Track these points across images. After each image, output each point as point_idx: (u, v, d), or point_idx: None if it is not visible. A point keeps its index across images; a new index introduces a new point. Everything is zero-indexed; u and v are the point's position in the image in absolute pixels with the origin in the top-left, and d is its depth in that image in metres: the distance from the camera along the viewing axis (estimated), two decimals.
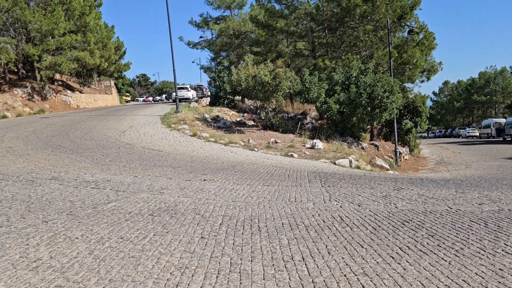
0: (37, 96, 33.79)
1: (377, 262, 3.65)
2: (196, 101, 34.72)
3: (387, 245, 4.17)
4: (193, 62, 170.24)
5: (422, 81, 32.10)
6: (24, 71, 36.56)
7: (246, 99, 33.01)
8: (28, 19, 29.99)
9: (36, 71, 35.67)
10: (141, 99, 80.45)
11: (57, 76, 41.82)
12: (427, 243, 4.22)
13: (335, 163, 13.18)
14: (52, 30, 31.66)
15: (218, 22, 39.19)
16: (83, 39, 36.47)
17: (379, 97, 18.95)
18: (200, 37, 42.87)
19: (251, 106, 30.98)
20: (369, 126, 22.74)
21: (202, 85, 48.66)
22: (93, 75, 48.83)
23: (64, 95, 38.47)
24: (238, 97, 33.21)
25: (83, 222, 5.03)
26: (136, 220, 5.17)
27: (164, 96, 76.65)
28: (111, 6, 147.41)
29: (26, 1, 31.27)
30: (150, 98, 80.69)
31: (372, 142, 22.95)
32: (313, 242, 4.33)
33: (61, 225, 4.89)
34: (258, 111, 27.16)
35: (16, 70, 35.58)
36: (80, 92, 43.54)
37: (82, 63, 37.28)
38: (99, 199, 6.43)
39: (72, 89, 42.78)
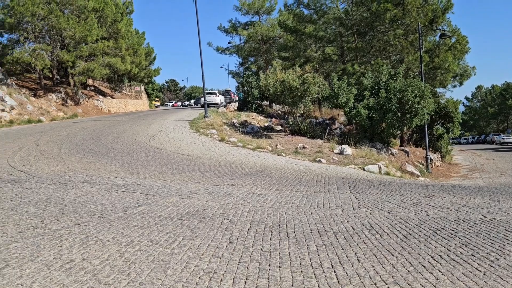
0: (71, 101, 34.71)
1: (408, 271, 3.58)
2: (224, 106, 34.95)
3: (419, 254, 4.08)
4: (221, 67, 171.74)
5: (455, 86, 31.40)
6: (58, 77, 37.64)
7: (274, 104, 33.01)
8: (62, 27, 30.89)
9: (70, 77, 36.67)
10: (170, 104, 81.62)
11: (90, 81, 42.88)
12: (461, 252, 4.11)
13: (364, 169, 13.02)
14: (85, 37, 32.51)
15: (246, 27, 39.43)
16: (114, 45, 37.30)
17: (410, 102, 18.62)
18: (229, 42, 43.23)
19: (279, 111, 30.95)
20: (399, 132, 22.35)
21: (230, 90, 48.99)
22: (124, 81, 49.82)
23: (96, 100, 39.39)
24: (266, 102, 33.24)
25: (114, 225, 5.13)
26: (165, 224, 5.22)
27: (192, 101, 77.47)
28: (142, 13, 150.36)
29: (61, 9, 32.23)
30: (179, 103, 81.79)
31: (402, 148, 22.55)
32: (342, 249, 4.28)
33: (93, 228, 4.99)
34: (286, 116, 27.10)
35: (51, 76, 36.67)
36: (112, 97, 44.50)
37: (113, 69, 38.09)
38: (129, 202, 6.54)
39: (103, 94, 43.78)
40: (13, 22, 29.58)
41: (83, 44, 33.72)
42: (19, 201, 6.43)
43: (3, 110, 23.61)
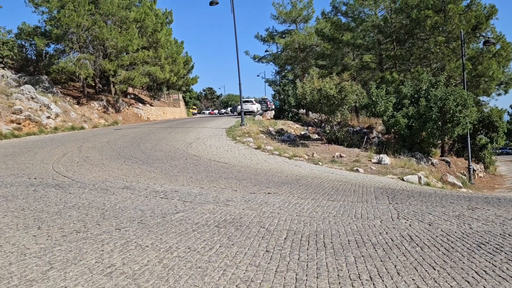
0: (112, 109, 35.77)
1: (451, 286, 3.46)
2: (261, 114, 35.09)
3: (462, 269, 3.94)
4: (258, 75, 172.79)
5: (499, 94, 30.36)
6: (100, 85, 38.91)
7: (310, 112, 32.89)
8: (105, 37, 31.98)
9: (111, 85, 37.83)
10: (207, 111, 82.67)
11: (130, 89, 44.10)
12: (507, 268, 3.94)
13: (403, 179, 12.73)
14: (126, 47, 33.52)
15: (283, 36, 39.49)
16: (154, 55, 38.27)
17: (451, 111, 18.11)
18: (266, 51, 43.42)
19: (316, 120, 30.79)
20: (439, 141, 21.77)
21: (266, 99, 49.16)
22: (163, 89, 50.94)
23: (136, 107, 40.41)
24: (302, 111, 33.16)
25: (153, 231, 5.22)
26: (202, 231, 5.28)
27: (229, 109, 78.23)
28: (181, 22, 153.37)
29: (104, 20, 33.39)
30: (216, 111, 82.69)
31: (443, 158, 21.93)
32: (381, 261, 4.19)
33: (132, 233, 5.10)
34: (323, 124, 26.93)
35: (93, 84, 37.96)
36: (151, 105, 45.54)
37: (153, 77, 39.06)
38: (167, 209, 6.65)
39: (143, 102, 44.87)
40: (59, 33, 30.86)
41: (124, 53, 34.78)
42: (63, 205, 6.66)
43: (48, 117, 24.57)
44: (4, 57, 23.05)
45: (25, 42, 36.12)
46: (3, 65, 32.46)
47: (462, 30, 21.95)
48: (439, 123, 18.73)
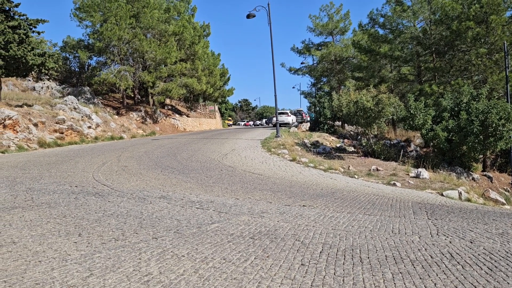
0: (149, 119, 36.58)
1: None
2: (296, 126, 35.02)
3: None
4: (293, 87, 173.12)
5: None
6: (139, 96, 39.93)
7: (346, 124, 32.57)
8: (145, 49, 32.88)
9: (150, 96, 38.76)
10: (242, 123, 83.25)
11: (167, 101, 45.03)
12: None
13: (442, 194, 12.36)
14: (165, 59, 34.33)
15: (319, 48, 39.43)
16: (191, 67, 39.01)
17: (494, 125, 17.50)
18: (302, 63, 43.39)
19: (352, 132, 30.44)
20: (481, 156, 21.04)
21: (301, 110, 49.06)
22: (199, 100, 51.75)
23: (173, 118, 41.17)
24: (338, 123, 32.89)
25: (188, 241, 5.28)
26: (237, 242, 5.29)
27: (264, 120, 78.48)
28: (218, 35, 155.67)
29: (144, 33, 34.36)
30: (251, 123, 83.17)
31: (484, 173, 21.19)
32: (420, 278, 4.07)
33: (169, 242, 5.17)
34: (359, 137, 26.59)
35: (132, 95, 39.00)
36: (187, 116, 46.29)
37: (190, 89, 39.79)
38: (203, 219, 6.71)
39: (180, 113, 45.67)
40: (102, 46, 31.95)
41: (163, 65, 35.60)
42: (102, 213, 6.83)
43: (89, 127, 25.38)
44: (50, 69, 24.06)
45: (69, 55, 37.67)
46: (48, 77, 33.86)
47: (505, 42, 21.27)
48: (481, 137, 18.13)
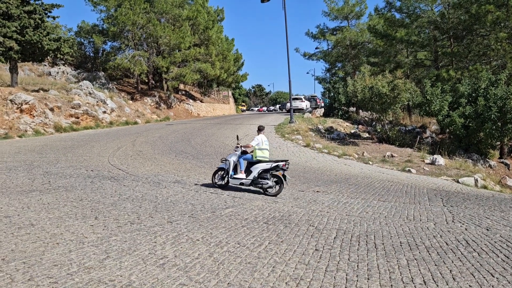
0: (164, 105, 36.69)
1: None
2: (310, 112, 34.83)
3: None
4: (307, 73, 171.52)
5: None
6: (153, 82, 40.01)
7: (360, 110, 32.30)
8: (159, 34, 32.82)
9: (164, 82, 38.81)
10: (256, 109, 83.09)
11: (181, 86, 45.08)
12: None
13: (458, 181, 12.23)
14: (179, 44, 34.25)
15: (334, 33, 38.89)
16: (205, 52, 38.85)
17: None
18: (316, 48, 43.04)
19: (366, 118, 30.19)
20: (498, 143, 20.69)
21: (316, 96, 48.69)
22: (213, 86, 51.62)
23: (187, 103, 41.23)
24: (352, 109, 32.63)
25: (203, 225, 5.32)
26: (252, 227, 5.31)
27: (278, 106, 78.16)
28: (232, 19, 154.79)
29: (158, 18, 34.27)
30: (264, 108, 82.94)
31: (501, 160, 20.86)
32: (436, 265, 4.05)
33: (184, 226, 5.22)
34: (374, 123, 26.36)
35: (146, 81, 39.10)
36: (201, 101, 46.32)
37: (203, 74, 39.67)
38: (217, 204, 6.75)
39: (193, 98, 45.72)
40: (116, 31, 31.98)
41: (177, 50, 35.52)
42: (118, 197, 6.91)
43: (104, 112, 25.57)
44: (65, 54, 24.19)
45: (84, 40, 37.82)
46: (63, 62, 34.10)
47: None
48: (499, 123, 17.81)
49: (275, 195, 7.95)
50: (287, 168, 8.20)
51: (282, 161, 8.23)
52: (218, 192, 7.85)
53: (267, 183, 8.00)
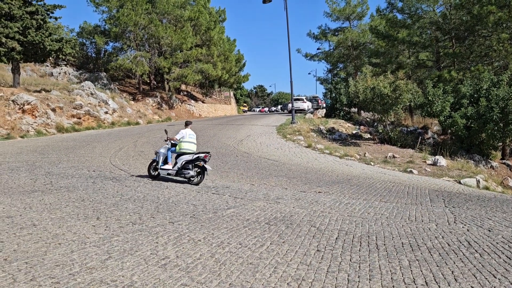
0: (165, 105, 36.73)
1: None
2: (312, 113, 34.82)
3: None
4: (309, 73, 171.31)
5: None
6: (155, 82, 40.05)
7: (362, 111, 32.27)
8: (161, 35, 32.87)
9: (165, 82, 38.86)
10: (257, 109, 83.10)
11: (183, 86, 45.10)
12: None
13: (460, 182, 12.22)
14: (181, 45, 34.31)
15: (336, 33, 38.92)
16: (207, 52, 38.89)
17: None
18: (318, 48, 42.96)
19: (368, 119, 30.18)
20: (500, 144, 20.66)
21: (317, 97, 48.67)
22: (215, 86, 51.68)
23: (188, 104, 41.27)
24: (354, 109, 32.62)
25: (205, 226, 5.32)
26: (253, 228, 5.32)
27: (279, 107, 78.14)
28: (234, 20, 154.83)
29: (160, 19, 34.33)
30: (266, 109, 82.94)
31: (503, 161, 20.83)
32: (437, 266, 4.05)
33: (185, 227, 5.22)
34: (375, 124, 26.35)
35: (148, 81, 39.15)
36: (202, 102, 46.35)
37: (205, 75, 39.71)
38: (219, 204, 6.75)
39: (195, 99, 45.76)
40: (118, 31, 32.05)
41: (179, 51, 35.57)
42: (120, 197, 6.92)
43: (106, 112, 25.60)
44: (67, 55, 24.26)
45: (86, 40, 37.91)
46: (65, 62, 34.18)
47: None
48: (501, 124, 17.78)
49: (197, 183, 8.82)
50: (209, 159, 9.03)
51: (203, 153, 9.07)
52: (220, 192, 7.86)
53: (189, 173, 8.84)
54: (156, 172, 9.28)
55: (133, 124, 27.05)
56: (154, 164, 9.36)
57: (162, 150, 9.34)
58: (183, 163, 8.93)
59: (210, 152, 9.46)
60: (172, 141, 9.40)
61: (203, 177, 8.94)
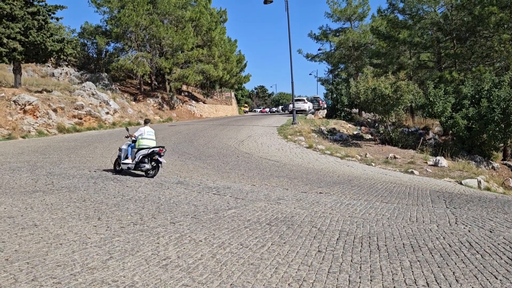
0: (166, 106, 36.75)
1: None
2: (313, 113, 34.82)
3: None
4: (310, 74, 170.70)
5: None
6: (156, 83, 40.09)
7: (363, 112, 32.27)
8: (162, 36, 32.89)
9: (166, 83, 38.89)
10: (258, 110, 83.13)
11: (184, 87, 45.14)
12: None
13: (461, 183, 12.20)
14: (182, 45, 34.33)
15: (337, 34, 38.95)
16: (208, 53, 38.91)
17: None
18: (319, 49, 42.95)
19: (369, 119, 30.17)
20: (501, 144, 20.64)
21: (318, 97, 48.67)
22: (216, 87, 51.72)
23: (189, 105, 41.29)
24: (355, 110, 32.62)
25: (206, 226, 5.32)
26: (254, 228, 5.32)
27: (280, 107, 78.15)
28: (235, 20, 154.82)
29: (161, 19, 34.35)
30: (267, 109, 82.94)
31: (505, 162, 20.80)
32: (439, 267, 4.04)
33: (186, 227, 5.22)
34: (376, 124, 26.34)
35: (149, 81, 39.19)
36: (203, 102, 46.38)
37: (206, 75, 39.73)
38: (220, 205, 6.75)
39: (196, 99, 45.78)
40: (119, 32, 32.08)
41: (180, 51, 35.59)
42: (121, 198, 6.92)
43: (107, 113, 25.62)
44: (68, 55, 24.28)
45: (87, 41, 37.95)
46: (67, 63, 34.21)
47: None
48: (502, 125, 17.77)
49: (152, 176, 9.61)
50: (163, 153, 9.78)
51: (158, 147, 9.83)
52: (221, 193, 7.86)
53: (145, 166, 9.66)
54: (120, 167, 10.11)
55: (134, 125, 27.06)
56: (119, 160, 10.17)
57: (124, 147, 10.17)
58: (140, 157, 9.68)
59: (165, 146, 10.23)
60: (132, 138, 10.20)
61: (158, 170, 9.71)
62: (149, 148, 9.73)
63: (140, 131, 10.14)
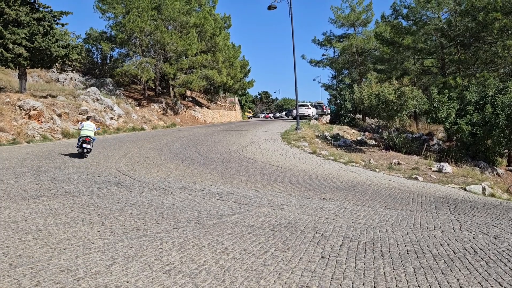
0: (170, 111, 36.86)
1: None
2: (316, 119, 34.82)
3: None
4: (314, 79, 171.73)
5: None
6: (160, 88, 40.24)
7: (367, 117, 32.26)
8: (166, 41, 33.06)
9: (170, 88, 39.03)
10: (262, 115, 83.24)
11: (188, 92, 45.30)
12: None
13: (465, 189, 12.15)
14: (186, 51, 34.48)
15: (341, 40, 38.97)
16: (212, 58, 39.05)
17: None
18: (323, 55, 43.10)
19: (373, 125, 30.14)
20: (506, 150, 20.56)
21: (322, 103, 48.68)
22: (220, 92, 51.83)
23: (193, 110, 41.40)
24: (359, 116, 32.61)
25: (209, 232, 5.32)
26: (258, 234, 5.31)
27: (284, 113, 78.23)
28: (239, 26, 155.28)
29: (165, 25, 34.54)
30: (271, 115, 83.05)
31: (509, 168, 20.71)
32: (443, 273, 4.02)
33: (190, 233, 5.22)
34: (380, 130, 26.31)
35: (153, 87, 39.34)
36: (207, 107, 46.48)
37: (210, 81, 39.87)
38: (223, 210, 6.75)
39: (200, 104, 45.89)
40: (124, 38, 32.27)
41: (184, 57, 35.74)
42: (125, 203, 6.94)
43: (111, 118, 25.72)
44: (73, 61, 24.47)
45: (92, 47, 38.21)
46: (71, 68, 34.41)
47: None
48: (507, 131, 17.71)
49: (81, 157, 13.27)
50: (90, 141, 13.29)
51: (86, 136, 13.23)
52: (224, 198, 7.86)
53: (80, 150, 13.28)
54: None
55: (138, 130, 27.15)
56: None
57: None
58: (79, 143, 13.30)
59: (91, 136, 13.40)
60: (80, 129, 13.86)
61: (86, 153, 13.40)
62: (85, 136, 13.18)
63: (82, 124, 13.83)
